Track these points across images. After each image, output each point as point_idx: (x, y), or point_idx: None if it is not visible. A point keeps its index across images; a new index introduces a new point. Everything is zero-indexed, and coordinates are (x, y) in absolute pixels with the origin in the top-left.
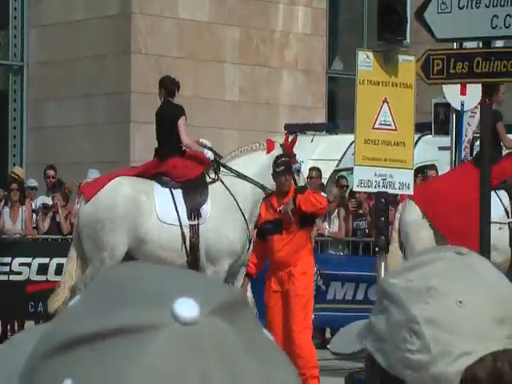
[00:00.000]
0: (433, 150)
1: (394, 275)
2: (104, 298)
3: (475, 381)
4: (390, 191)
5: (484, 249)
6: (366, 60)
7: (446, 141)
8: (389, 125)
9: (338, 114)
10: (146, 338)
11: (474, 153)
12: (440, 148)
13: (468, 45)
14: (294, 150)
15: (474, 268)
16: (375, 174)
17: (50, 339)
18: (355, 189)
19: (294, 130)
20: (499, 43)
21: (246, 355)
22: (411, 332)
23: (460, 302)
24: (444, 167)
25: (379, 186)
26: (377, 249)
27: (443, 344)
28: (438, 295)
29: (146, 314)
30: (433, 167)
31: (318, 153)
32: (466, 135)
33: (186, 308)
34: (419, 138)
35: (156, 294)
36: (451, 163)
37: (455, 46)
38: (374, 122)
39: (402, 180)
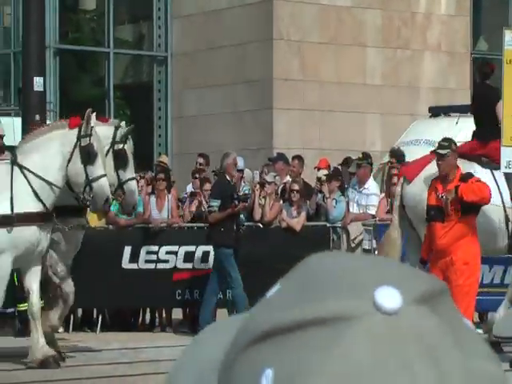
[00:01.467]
0: None
1: None
2: (304, 288)
3: None
4: None
5: None
6: None
7: None
8: None
9: None
10: (344, 327)
11: None
12: None
13: None
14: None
15: None
16: None
17: (250, 329)
18: (503, 170)
19: (438, 112)
20: None
21: (449, 345)
22: None
23: None
24: None
25: None
26: None
27: None
28: None
29: (347, 304)
30: None
31: (463, 135)
32: None
33: (388, 298)
34: None
35: (357, 283)
36: None
37: None
38: None
39: None
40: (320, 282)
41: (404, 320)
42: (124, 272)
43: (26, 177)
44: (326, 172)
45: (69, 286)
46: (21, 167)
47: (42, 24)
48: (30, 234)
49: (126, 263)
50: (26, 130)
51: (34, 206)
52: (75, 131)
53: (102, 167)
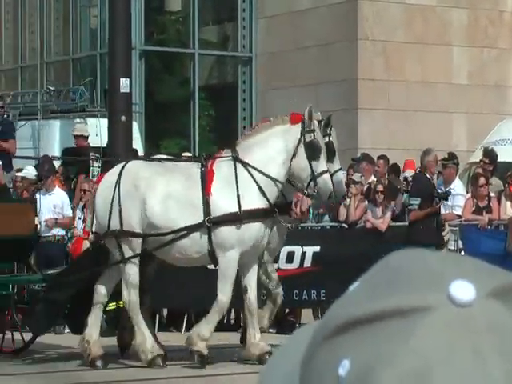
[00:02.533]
0: None
1: None
2: (382, 281)
3: None
4: None
5: None
6: None
7: None
8: None
9: None
10: (419, 318)
11: None
12: None
13: None
14: None
15: None
16: None
17: (330, 322)
18: None
19: None
20: None
21: None
22: None
23: None
24: None
25: None
26: None
27: None
28: None
29: (422, 296)
30: None
31: None
32: None
33: (462, 290)
34: None
35: (432, 276)
36: None
37: None
38: None
39: None
40: (398, 277)
41: (477, 312)
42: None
43: (250, 173)
44: (412, 173)
45: (277, 286)
46: (244, 164)
47: (128, 26)
48: (256, 230)
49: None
50: (112, 130)
51: (259, 203)
52: (298, 127)
53: (325, 162)
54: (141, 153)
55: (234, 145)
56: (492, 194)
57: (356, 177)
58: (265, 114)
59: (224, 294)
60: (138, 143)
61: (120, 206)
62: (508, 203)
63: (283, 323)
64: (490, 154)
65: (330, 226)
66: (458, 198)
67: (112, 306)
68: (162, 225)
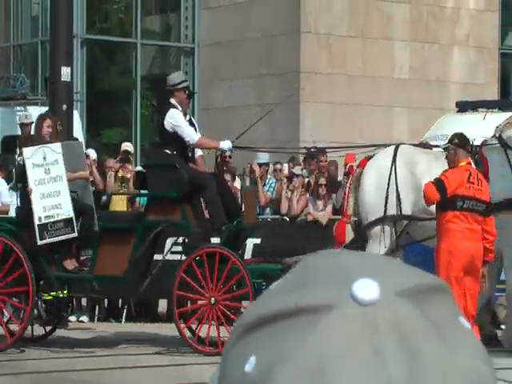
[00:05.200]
0: None
1: None
2: (294, 280)
3: None
4: None
5: None
6: None
7: None
8: None
9: (511, 90)
10: (321, 317)
11: None
12: None
13: None
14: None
15: None
16: None
17: (243, 320)
18: None
19: (465, 107)
20: None
21: (428, 338)
22: None
23: None
24: None
25: None
26: None
27: None
28: None
29: (325, 294)
30: None
31: (491, 130)
32: None
33: (366, 289)
34: None
35: (339, 275)
36: None
37: None
38: None
39: None
40: (308, 276)
41: (381, 311)
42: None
43: None
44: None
45: None
46: None
47: (70, 14)
48: None
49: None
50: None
51: None
52: None
53: None
54: (82, 141)
55: (498, 131)
56: None
57: (297, 170)
58: (208, 105)
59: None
60: (79, 132)
61: (398, 190)
62: None
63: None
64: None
65: (272, 219)
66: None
67: (50, 295)
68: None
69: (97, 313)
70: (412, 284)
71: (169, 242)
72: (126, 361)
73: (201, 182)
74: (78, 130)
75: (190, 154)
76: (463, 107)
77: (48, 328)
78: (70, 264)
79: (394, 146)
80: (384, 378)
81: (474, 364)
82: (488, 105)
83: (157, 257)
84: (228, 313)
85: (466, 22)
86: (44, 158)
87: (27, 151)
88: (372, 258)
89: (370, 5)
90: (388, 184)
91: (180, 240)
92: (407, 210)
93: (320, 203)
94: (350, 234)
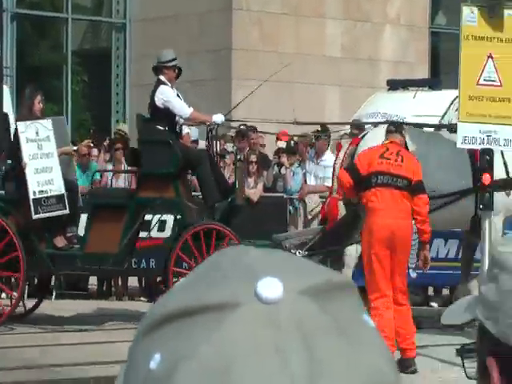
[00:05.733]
0: None
1: (503, 243)
2: (201, 277)
3: None
4: (495, 147)
5: None
6: (470, 15)
7: None
8: (493, 81)
9: (441, 69)
10: (226, 315)
11: None
12: None
13: None
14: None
15: None
16: (480, 131)
17: (148, 317)
18: (459, 145)
19: (396, 85)
20: None
21: (330, 336)
22: None
23: None
24: None
25: (483, 143)
26: (481, 206)
27: None
28: None
29: (230, 293)
30: None
31: (421, 109)
32: None
33: (269, 288)
34: None
35: (245, 273)
36: None
37: None
38: (479, 79)
39: (507, 136)
40: (215, 273)
41: (283, 309)
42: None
43: None
44: (284, 144)
45: None
46: None
47: None
48: None
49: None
50: None
51: None
52: None
53: None
54: (12, 116)
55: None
56: None
57: (229, 147)
58: (140, 82)
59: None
60: (8, 107)
61: None
62: None
63: (155, 291)
64: (357, 125)
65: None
66: (329, 170)
67: None
68: (439, 188)
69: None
70: (315, 282)
71: (155, 219)
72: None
73: (194, 158)
74: (8, 105)
75: (178, 131)
76: (394, 85)
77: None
78: (60, 241)
79: (386, 126)
80: (287, 376)
81: (378, 363)
82: (418, 83)
83: (142, 234)
84: None
85: (397, 1)
86: (37, 134)
87: (21, 125)
88: (277, 255)
89: None
90: None
91: (165, 217)
92: None
93: (251, 180)
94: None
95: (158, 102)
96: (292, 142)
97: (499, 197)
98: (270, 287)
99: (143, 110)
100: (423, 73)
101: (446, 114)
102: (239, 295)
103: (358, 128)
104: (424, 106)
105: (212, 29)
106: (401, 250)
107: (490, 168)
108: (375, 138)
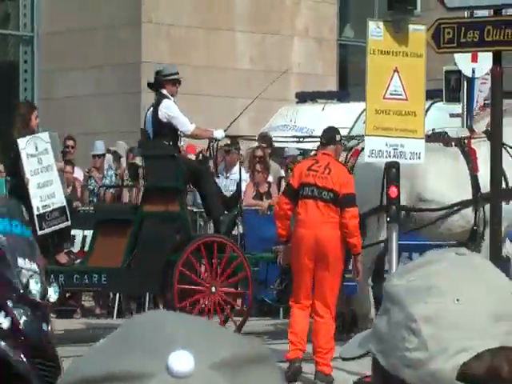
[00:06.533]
0: (444, 117)
1: (396, 277)
2: (119, 343)
3: (472, 377)
4: (401, 161)
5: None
6: (376, 30)
7: (457, 108)
8: (400, 94)
9: (350, 82)
10: None
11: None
12: (451, 115)
13: (479, 13)
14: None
15: (473, 267)
16: (386, 144)
17: (65, 379)
18: (366, 159)
19: (305, 98)
20: (510, 11)
21: None
22: (409, 330)
23: (457, 300)
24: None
25: (390, 156)
26: (388, 219)
27: (440, 341)
28: (437, 293)
29: (141, 363)
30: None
31: (329, 121)
32: (476, 102)
33: (181, 361)
34: (430, 105)
35: (157, 343)
36: None
37: (466, 15)
38: (385, 92)
39: (413, 150)
40: (132, 339)
41: (193, 383)
42: None
43: (508, 153)
44: (193, 157)
45: None
46: (502, 144)
47: None
48: None
49: None
50: None
51: None
52: None
53: None
54: None
55: (487, 126)
56: (271, 179)
57: (139, 160)
58: (48, 95)
59: None
60: None
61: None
62: None
63: (63, 307)
64: (265, 138)
65: None
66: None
67: None
68: (435, 200)
69: None
70: (229, 355)
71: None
72: None
73: (197, 171)
74: None
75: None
76: (303, 98)
77: None
78: (63, 258)
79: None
80: None
81: None
82: (327, 96)
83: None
84: (228, 299)
85: (305, 13)
86: (36, 148)
87: (21, 142)
88: (193, 324)
89: None
90: (384, 175)
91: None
92: (402, 200)
93: None
94: None
95: (162, 116)
96: (200, 155)
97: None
98: (182, 361)
99: (52, 123)
100: (332, 85)
101: (354, 126)
102: (150, 367)
103: (266, 141)
104: (333, 118)
105: (121, 42)
106: (327, 262)
107: (396, 181)
108: None
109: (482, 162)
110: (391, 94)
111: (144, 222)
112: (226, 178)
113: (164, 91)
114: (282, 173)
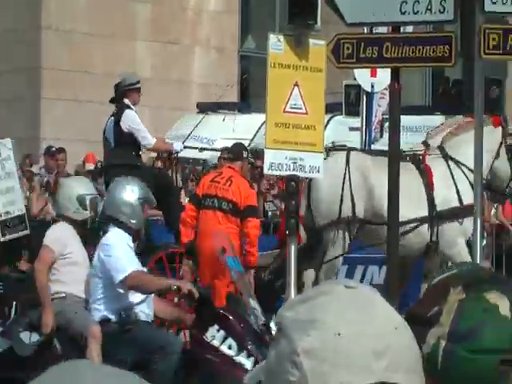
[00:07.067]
0: (343, 131)
1: (286, 307)
2: None
3: None
4: (301, 174)
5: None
6: (277, 43)
7: (356, 121)
8: (299, 108)
9: (251, 93)
10: None
11: (384, 134)
12: (351, 128)
13: (381, 29)
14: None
15: (360, 301)
16: (286, 158)
17: None
18: (266, 172)
19: (206, 108)
20: (409, 28)
21: None
22: (292, 363)
23: (339, 334)
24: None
25: (290, 170)
26: (287, 232)
27: (321, 375)
28: (320, 327)
29: None
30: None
31: (230, 132)
32: (375, 116)
33: None
34: (330, 119)
35: None
36: (361, 143)
37: (366, 31)
38: (285, 106)
39: (312, 163)
40: None
41: None
42: None
43: (462, 170)
44: (92, 166)
45: None
46: (455, 161)
47: None
48: (471, 224)
49: None
50: None
51: (471, 198)
52: (499, 129)
53: None
54: None
55: (441, 142)
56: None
57: (35, 168)
58: None
59: None
60: None
61: (352, 194)
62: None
63: None
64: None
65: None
66: None
67: None
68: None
69: None
70: None
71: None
72: None
73: (164, 182)
74: None
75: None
76: (204, 108)
77: None
78: (24, 265)
79: (345, 152)
80: None
81: None
82: (228, 106)
83: None
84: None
85: (206, 23)
86: None
87: None
88: (110, 376)
89: (113, 3)
90: (342, 188)
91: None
92: (360, 214)
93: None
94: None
95: (124, 127)
96: (99, 164)
97: (454, 225)
98: None
99: None
100: (233, 96)
101: (254, 137)
102: None
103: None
104: (233, 129)
105: (21, 47)
106: (222, 274)
107: (295, 194)
108: (334, 162)
109: (438, 178)
110: (291, 108)
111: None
112: None
113: (126, 101)
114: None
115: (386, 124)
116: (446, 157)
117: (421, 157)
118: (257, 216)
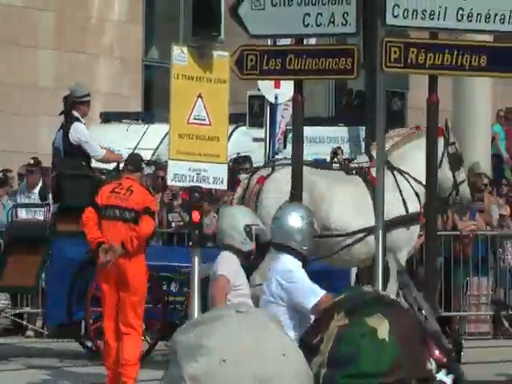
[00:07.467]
0: (247, 142)
1: (181, 331)
2: None
3: None
4: (204, 186)
5: None
6: (180, 55)
7: (260, 132)
8: (203, 119)
9: (155, 103)
10: None
11: (288, 145)
12: (254, 139)
13: (285, 41)
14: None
15: (249, 326)
16: (189, 169)
17: None
18: (169, 183)
19: (109, 118)
20: (312, 41)
21: None
22: None
23: (224, 360)
24: (258, 158)
25: (193, 181)
26: (190, 243)
27: None
28: (206, 353)
29: None
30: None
31: (134, 142)
32: (279, 127)
33: None
34: (234, 130)
35: None
36: (265, 154)
37: (269, 43)
38: (189, 117)
39: (216, 175)
40: None
41: None
42: None
43: (407, 181)
44: None
45: None
46: (400, 172)
47: None
48: (417, 233)
49: None
50: None
51: (418, 208)
52: (441, 139)
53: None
54: None
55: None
56: None
57: None
58: None
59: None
60: None
61: None
62: None
63: None
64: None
65: None
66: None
67: None
68: (339, 227)
69: None
70: None
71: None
72: None
73: None
74: None
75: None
76: (107, 118)
77: None
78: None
79: (290, 167)
80: None
81: None
82: (131, 116)
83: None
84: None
85: (110, 32)
86: None
87: None
88: None
89: (16, 11)
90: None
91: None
92: None
93: None
94: None
95: (72, 139)
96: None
97: (402, 233)
98: None
99: None
100: (136, 106)
101: (158, 148)
102: None
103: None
104: (137, 139)
105: None
106: (128, 286)
107: (199, 206)
108: (282, 176)
109: (386, 190)
110: (195, 119)
111: (56, 241)
112: (28, 197)
113: (75, 113)
114: None
115: (290, 135)
116: (391, 167)
117: (366, 169)
118: (152, 217)
